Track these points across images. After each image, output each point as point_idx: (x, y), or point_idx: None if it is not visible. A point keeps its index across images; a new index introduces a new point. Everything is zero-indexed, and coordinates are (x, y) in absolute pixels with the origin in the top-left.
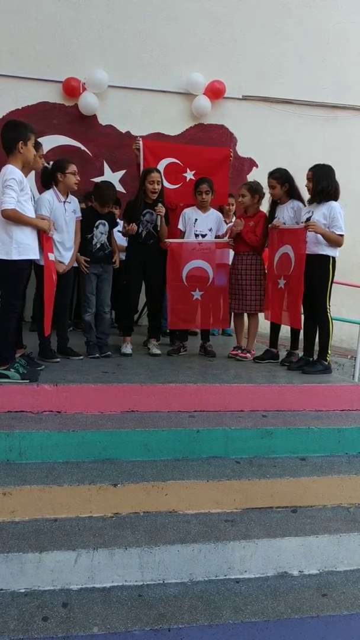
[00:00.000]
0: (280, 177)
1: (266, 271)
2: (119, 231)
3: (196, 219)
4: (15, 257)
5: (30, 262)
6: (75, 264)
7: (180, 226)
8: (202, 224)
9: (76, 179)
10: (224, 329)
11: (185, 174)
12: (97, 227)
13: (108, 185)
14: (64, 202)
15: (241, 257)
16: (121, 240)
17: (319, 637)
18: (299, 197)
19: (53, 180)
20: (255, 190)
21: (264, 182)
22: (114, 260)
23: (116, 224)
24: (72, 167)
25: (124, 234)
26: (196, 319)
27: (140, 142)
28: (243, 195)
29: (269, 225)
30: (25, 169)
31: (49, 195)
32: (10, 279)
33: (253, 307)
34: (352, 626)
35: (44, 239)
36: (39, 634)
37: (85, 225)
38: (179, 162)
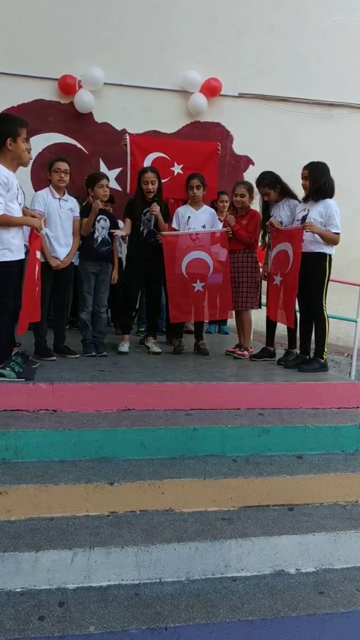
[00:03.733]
0: (271, 183)
1: (261, 269)
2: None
3: (189, 217)
4: (1, 259)
5: (19, 262)
6: (75, 263)
7: (174, 224)
8: (195, 221)
9: (59, 177)
10: (220, 327)
11: (173, 169)
12: (98, 222)
13: (93, 171)
14: (60, 199)
15: (235, 255)
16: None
17: (315, 635)
18: (292, 195)
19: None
20: (252, 190)
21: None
22: (112, 278)
23: (116, 225)
24: (56, 165)
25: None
26: (198, 310)
27: (127, 138)
28: (242, 195)
29: (267, 222)
30: (14, 164)
31: (44, 192)
32: None
33: (245, 304)
34: (349, 624)
35: (32, 236)
36: (35, 633)
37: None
38: (166, 156)
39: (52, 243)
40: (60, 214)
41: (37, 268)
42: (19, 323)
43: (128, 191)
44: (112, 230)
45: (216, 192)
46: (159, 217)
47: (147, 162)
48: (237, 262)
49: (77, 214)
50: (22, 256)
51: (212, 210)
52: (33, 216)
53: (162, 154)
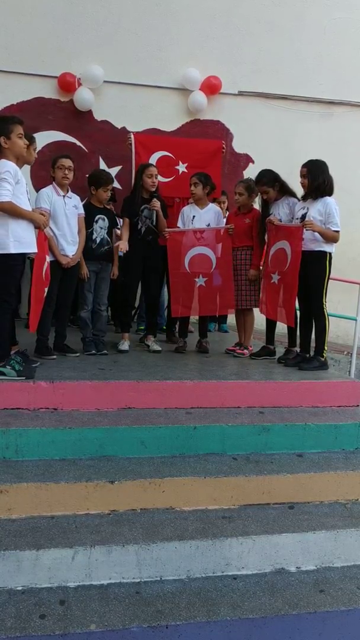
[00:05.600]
0: (270, 181)
1: (261, 267)
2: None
3: (194, 216)
4: (12, 250)
5: (24, 258)
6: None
7: (179, 224)
8: (200, 221)
9: (63, 173)
10: (220, 326)
11: (177, 167)
12: (96, 222)
13: (101, 170)
14: (64, 196)
15: (235, 253)
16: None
17: (316, 633)
18: (291, 193)
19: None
20: (252, 189)
21: None
22: (112, 274)
23: (116, 223)
24: (60, 162)
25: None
26: (200, 305)
27: (132, 137)
28: (240, 194)
29: (266, 220)
30: (19, 162)
31: (48, 189)
32: (4, 275)
33: (247, 302)
34: (349, 622)
35: (41, 236)
36: (36, 631)
37: (85, 221)
38: (171, 155)
39: (60, 241)
40: (66, 211)
41: (44, 269)
42: (30, 322)
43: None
44: (116, 245)
45: (219, 191)
46: (159, 212)
47: (152, 161)
48: (235, 260)
49: (82, 210)
50: (33, 250)
51: (218, 209)
52: (41, 214)
53: (166, 153)
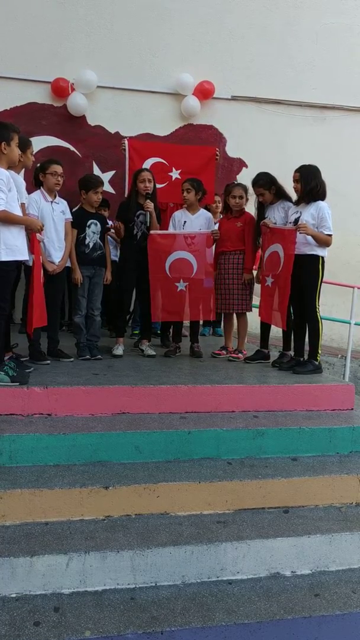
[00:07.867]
0: (266, 183)
1: (255, 271)
2: (110, 236)
3: (185, 221)
4: (3, 258)
5: (18, 264)
6: (68, 264)
7: (170, 229)
8: (191, 226)
9: (56, 180)
10: (214, 329)
11: (170, 174)
12: (89, 227)
13: (90, 174)
14: (52, 202)
15: (227, 256)
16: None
17: (312, 638)
18: (287, 197)
19: (39, 181)
20: (247, 192)
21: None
22: (105, 279)
23: (108, 229)
24: (52, 168)
25: (116, 234)
26: (181, 311)
27: (126, 143)
28: (240, 196)
29: (261, 223)
30: (17, 168)
31: (36, 195)
32: None
33: (240, 306)
34: (345, 626)
35: (34, 240)
36: (30, 639)
37: (77, 226)
38: (164, 161)
39: (48, 247)
40: (54, 217)
41: (42, 272)
42: (27, 327)
43: (125, 195)
44: (110, 233)
45: (213, 197)
46: (153, 214)
47: (145, 167)
48: (227, 263)
49: (69, 215)
50: (24, 257)
51: (209, 214)
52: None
53: (160, 159)
